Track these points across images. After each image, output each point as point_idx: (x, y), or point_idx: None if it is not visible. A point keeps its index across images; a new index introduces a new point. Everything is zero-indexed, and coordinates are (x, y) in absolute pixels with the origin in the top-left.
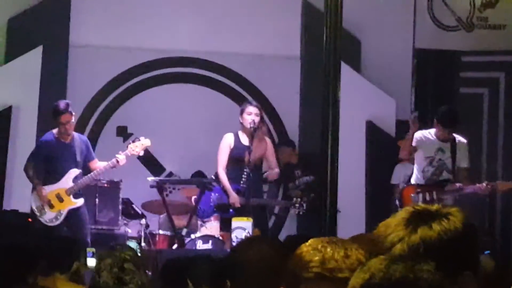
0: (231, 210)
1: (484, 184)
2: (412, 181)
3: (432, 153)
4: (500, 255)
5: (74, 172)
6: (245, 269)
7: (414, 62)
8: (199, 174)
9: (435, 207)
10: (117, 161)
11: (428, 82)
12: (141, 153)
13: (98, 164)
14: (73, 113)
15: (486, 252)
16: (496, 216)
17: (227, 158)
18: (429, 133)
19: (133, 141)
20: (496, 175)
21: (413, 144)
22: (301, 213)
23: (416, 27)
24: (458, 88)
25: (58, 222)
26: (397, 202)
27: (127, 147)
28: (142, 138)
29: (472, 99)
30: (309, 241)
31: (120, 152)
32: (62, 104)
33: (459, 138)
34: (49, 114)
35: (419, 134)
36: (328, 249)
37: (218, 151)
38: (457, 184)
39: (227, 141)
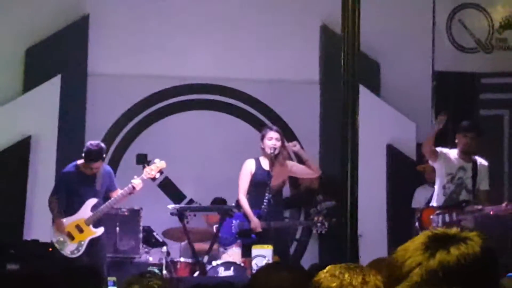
0: (253, 235)
1: (504, 205)
2: (433, 201)
3: (454, 171)
4: None
5: (92, 201)
6: None
7: (434, 85)
8: (219, 201)
9: (453, 231)
10: (133, 187)
11: (448, 105)
12: (157, 176)
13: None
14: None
15: (510, 274)
16: None
17: (248, 184)
18: (452, 151)
19: (148, 164)
20: None
21: (437, 149)
22: (323, 232)
23: (435, 50)
24: (478, 110)
25: (79, 254)
26: (417, 225)
27: (143, 171)
28: (157, 161)
29: (492, 121)
30: (327, 267)
31: (135, 176)
32: (95, 148)
33: (480, 160)
34: (75, 147)
35: (441, 148)
36: (346, 275)
37: (239, 177)
38: (477, 206)
39: (249, 167)
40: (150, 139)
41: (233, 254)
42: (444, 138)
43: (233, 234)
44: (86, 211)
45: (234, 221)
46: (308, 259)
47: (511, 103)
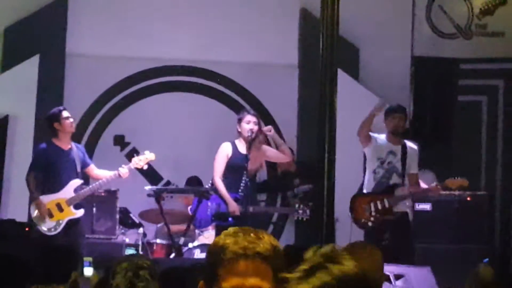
0: (230, 218)
1: (433, 184)
2: (364, 187)
3: (383, 155)
4: (499, 263)
5: (76, 183)
6: None
7: (413, 70)
8: (194, 179)
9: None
10: (119, 175)
11: (427, 90)
12: (145, 167)
13: (97, 172)
14: (71, 117)
15: (485, 260)
16: (495, 223)
17: (224, 167)
18: (380, 136)
19: (137, 155)
20: (495, 183)
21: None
22: (305, 219)
23: (415, 35)
24: (457, 96)
25: (56, 232)
26: (350, 215)
27: (131, 160)
28: (146, 152)
29: (471, 107)
30: (222, 232)
31: (123, 165)
32: (56, 108)
33: (409, 143)
34: (44, 122)
35: (370, 133)
36: (240, 234)
37: (215, 160)
38: (406, 188)
39: (225, 150)
40: (128, 121)
41: (209, 236)
42: (421, 123)
43: (209, 216)
44: (69, 191)
45: (209, 203)
46: (284, 242)
47: (489, 89)
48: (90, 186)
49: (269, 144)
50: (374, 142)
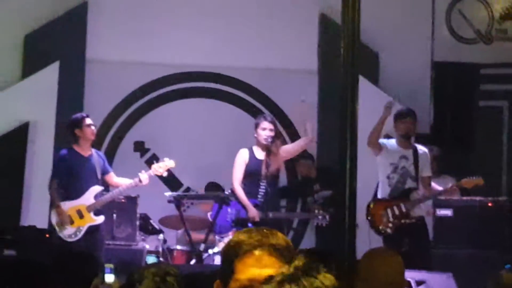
0: (249, 224)
1: (449, 185)
2: (379, 193)
3: (396, 160)
4: None
5: (96, 189)
6: None
7: (433, 75)
8: (213, 185)
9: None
10: (140, 181)
11: (447, 95)
12: (165, 174)
13: (117, 180)
14: (93, 124)
15: (508, 266)
16: None
17: (243, 173)
18: (390, 141)
19: (157, 162)
20: None
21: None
22: (324, 225)
23: (435, 40)
24: (478, 101)
25: (77, 238)
26: (369, 223)
27: (151, 167)
28: (166, 159)
29: (491, 112)
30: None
31: (143, 171)
32: (79, 115)
33: (419, 147)
34: (66, 128)
35: (381, 139)
36: (254, 230)
37: (234, 167)
38: (420, 192)
39: (242, 157)
40: (147, 127)
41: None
42: (442, 128)
43: (228, 223)
44: (89, 197)
45: (229, 210)
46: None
47: (510, 94)
48: (111, 193)
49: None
50: (385, 149)
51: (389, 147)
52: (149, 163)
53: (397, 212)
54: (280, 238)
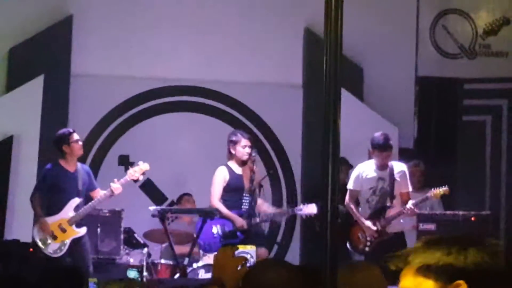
0: (238, 233)
1: (414, 202)
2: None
3: (374, 184)
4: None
5: (75, 201)
6: None
7: (417, 90)
8: (185, 196)
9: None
10: (112, 191)
11: (431, 110)
12: (141, 178)
13: (100, 194)
14: (80, 140)
15: None
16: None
17: (222, 190)
18: (368, 165)
19: (132, 166)
20: (499, 202)
21: (354, 188)
22: (312, 216)
23: (419, 55)
24: (461, 116)
25: (62, 253)
26: (348, 245)
27: (126, 172)
28: (140, 163)
29: (475, 127)
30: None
31: (115, 180)
32: (66, 130)
33: (396, 164)
34: (52, 144)
35: (355, 174)
36: None
37: (212, 184)
38: (395, 209)
39: (222, 174)
40: (132, 141)
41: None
42: (426, 143)
43: (216, 239)
44: (69, 210)
45: (214, 227)
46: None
47: (493, 109)
48: (89, 204)
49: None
50: (361, 178)
51: (367, 175)
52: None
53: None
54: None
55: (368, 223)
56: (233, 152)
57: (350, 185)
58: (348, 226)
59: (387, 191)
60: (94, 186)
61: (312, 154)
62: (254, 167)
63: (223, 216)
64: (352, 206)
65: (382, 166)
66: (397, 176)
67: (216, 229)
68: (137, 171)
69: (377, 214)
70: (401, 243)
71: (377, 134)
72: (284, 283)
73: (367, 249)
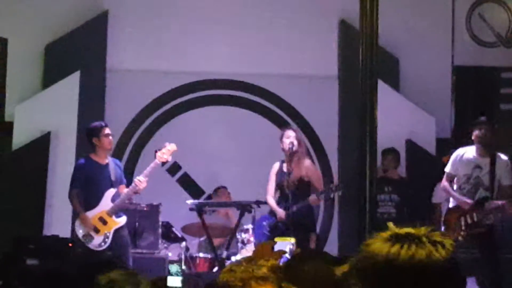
0: (279, 224)
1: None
2: (450, 202)
3: (470, 171)
4: None
5: (111, 192)
6: (301, 284)
7: (453, 79)
8: (220, 189)
9: (422, 231)
10: (136, 185)
11: (468, 99)
12: (170, 159)
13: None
14: (111, 134)
15: None
16: None
17: (274, 185)
18: (469, 150)
19: (159, 149)
20: None
21: (449, 171)
22: (340, 194)
23: (455, 44)
24: (498, 105)
25: (106, 246)
26: (442, 228)
27: (155, 156)
28: (167, 144)
29: None
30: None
31: (138, 177)
32: (98, 123)
33: (500, 155)
34: (86, 137)
35: (454, 157)
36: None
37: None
38: (499, 202)
39: (273, 170)
40: (168, 135)
41: (252, 249)
42: (463, 132)
43: (267, 236)
44: (107, 202)
45: (264, 223)
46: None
47: None
48: (126, 190)
49: (310, 156)
50: (458, 160)
51: (463, 159)
52: (171, 172)
53: (469, 221)
54: (263, 268)
55: (467, 201)
56: (281, 146)
57: (447, 168)
58: (448, 211)
59: (481, 181)
60: (122, 181)
61: (349, 145)
62: (305, 160)
63: (271, 211)
64: (449, 189)
65: (483, 151)
66: (498, 167)
67: (265, 226)
68: (165, 153)
69: (477, 204)
70: (492, 236)
71: (483, 127)
72: (321, 274)
73: (460, 238)
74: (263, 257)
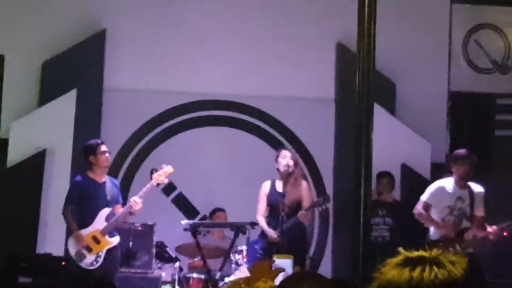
0: (272, 247)
1: (494, 227)
2: (432, 235)
3: (453, 202)
4: None
5: (106, 211)
6: None
7: (449, 105)
8: (217, 210)
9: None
10: (131, 206)
11: (463, 125)
12: (166, 181)
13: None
14: (107, 151)
15: None
16: None
17: (265, 205)
18: (448, 182)
19: (156, 171)
20: None
21: (428, 201)
22: (327, 205)
23: (451, 70)
24: (494, 131)
25: (98, 265)
26: None
27: (151, 178)
28: (164, 166)
29: (508, 142)
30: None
31: (134, 198)
32: (94, 141)
33: (474, 186)
34: (82, 155)
35: (434, 188)
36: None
37: (258, 199)
38: (471, 233)
39: (264, 189)
40: (164, 155)
41: (246, 270)
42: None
43: (260, 258)
44: (101, 221)
45: (256, 246)
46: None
47: None
48: (121, 210)
49: (306, 179)
50: (440, 192)
51: (446, 190)
52: (166, 192)
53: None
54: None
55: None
56: (276, 166)
57: (424, 197)
58: (428, 244)
59: (465, 212)
60: (119, 200)
61: (344, 168)
62: (302, 182)
63: (262, 234)
64: (430, 217)
65: (462, 183)
66: (475, 198)
67: (257, 249)
68: (161, 175)
69: (458, 235)
70: (474, 264)
71: (457, 150)
72: None
73: None
74: (261, 276)
